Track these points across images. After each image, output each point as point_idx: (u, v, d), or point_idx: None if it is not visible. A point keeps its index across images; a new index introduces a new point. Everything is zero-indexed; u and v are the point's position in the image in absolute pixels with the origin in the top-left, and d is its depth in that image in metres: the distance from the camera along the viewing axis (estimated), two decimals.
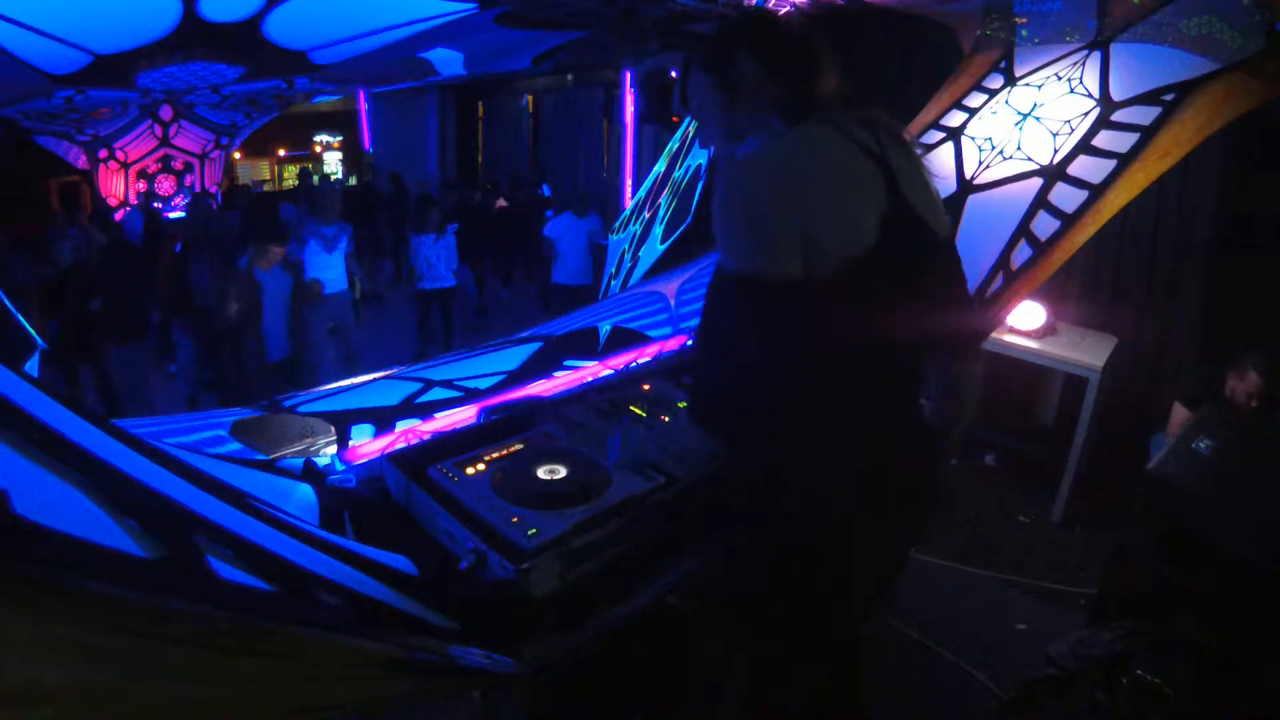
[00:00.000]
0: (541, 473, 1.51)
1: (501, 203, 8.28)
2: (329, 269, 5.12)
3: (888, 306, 1.18)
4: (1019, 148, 2.70)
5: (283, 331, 4.63)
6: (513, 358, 2.38)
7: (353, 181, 12.73)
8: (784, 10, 1.26)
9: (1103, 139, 2.50)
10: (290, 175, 12.73)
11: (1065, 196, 2.51)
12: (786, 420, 1.20)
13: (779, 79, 1.28)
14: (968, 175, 2.70)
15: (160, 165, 9.44)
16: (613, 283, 3.74)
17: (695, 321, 2.74)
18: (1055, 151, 2.60)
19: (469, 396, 2.09)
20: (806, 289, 1.12)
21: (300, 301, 4.72)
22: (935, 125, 2.93)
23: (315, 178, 11.80)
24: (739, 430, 1.31)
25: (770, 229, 1.12)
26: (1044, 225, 2.51)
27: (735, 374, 1.24)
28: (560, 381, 2.26)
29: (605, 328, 2.62)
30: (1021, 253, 2.51)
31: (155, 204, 9.11)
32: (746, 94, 1.29)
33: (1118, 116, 2.52)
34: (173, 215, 8.74)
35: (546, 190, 9.21)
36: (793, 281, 1.11)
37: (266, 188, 12.63)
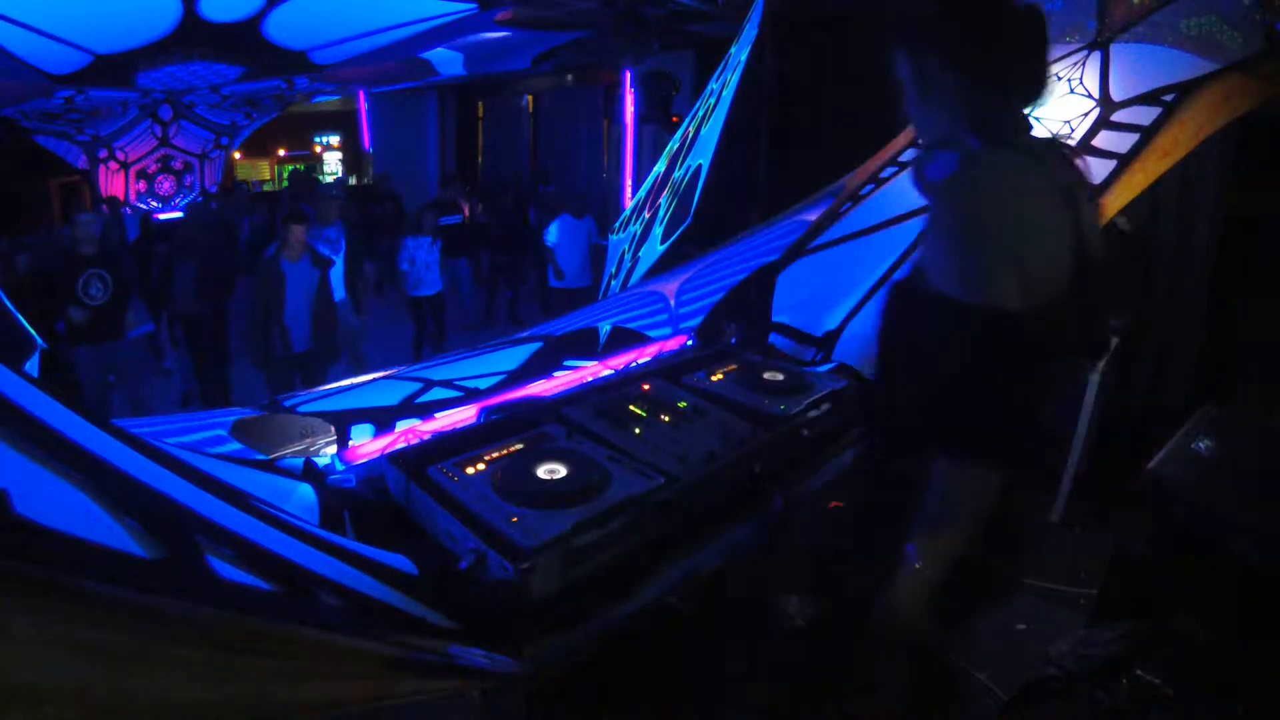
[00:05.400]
0: (541, 473, 1.51)
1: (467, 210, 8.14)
2: (333, 274, 5.10)
3: (1067, 330, 1.23)
4: None
5: (305, 324, 4.61)
6: (513, 358, 2.38)
7: (351, 181, 12.73)
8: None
9: (1102, 139, 2.50)
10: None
11: None
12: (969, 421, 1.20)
13: (986, 95, 1.21)
14: None
15: (160, 165, 9.44)
16: (613, 283, 3.74)
17: (694, 322, 2.74)
18: None
19: (469, 396, 2.09)
20: (1013, 316, 1.14)
21: (327, 301, 4.69)
22: None
23: (322, 177, 11.81)
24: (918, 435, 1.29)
25: (990, 263, 1.14)
26: None
27: (928, 388, 1.23)
28: (560, 381, 2.26)
29: (605, 328, 2.62)
30: None
31: (152, 203, 9.11)
32: (939, 98, 1.23)
33: (1118, 117, 2.51)
34: (162, 216, 8.73)
35: (550, 189, 9.19)
36: (1005, 309, 1.13)
37: (266, 188, 12.64)
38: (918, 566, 1.23)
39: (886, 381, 1.45)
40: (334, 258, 5.04)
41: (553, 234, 6.46)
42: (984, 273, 1.13)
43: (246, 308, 4.77)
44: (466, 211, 7.77)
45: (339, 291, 5.12)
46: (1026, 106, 1.25)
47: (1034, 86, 1.23)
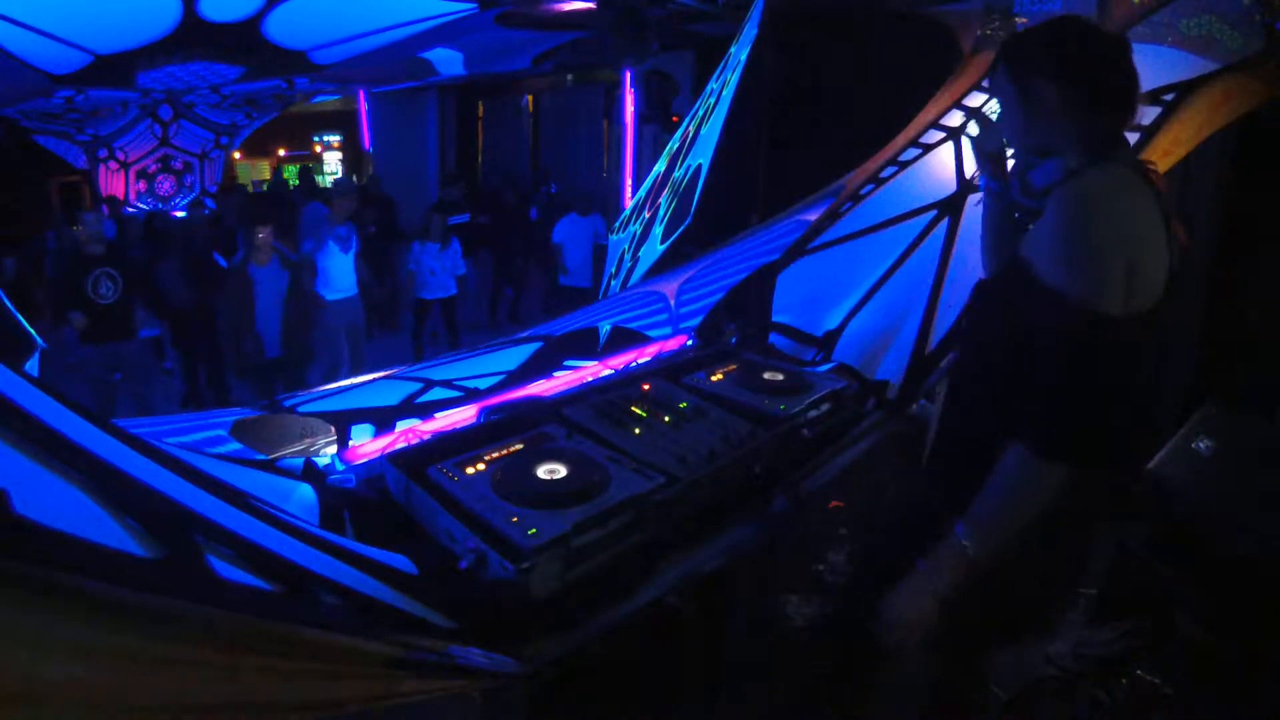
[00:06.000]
0: (541, 473, 1.51)
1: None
2: (345, 271, 5.10)
3: (1155, 339, 1.33)
4: None
5: (277, 329, 4.58)
6: (513, 358, 2.38)
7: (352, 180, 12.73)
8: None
9: None
10: (290, 176, 12.73)
11: None
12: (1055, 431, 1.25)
13: (1088, 111, 1.29)
14: (968, 175, 2.70)
15: (160, 165, 9.44)
16: (613, 283, 3.74)
17: (694, 322, 2.74)
18: None
19: (469, 396, 2.09)
20: (1116, 322, 1.21)
21: (299, 302, 4.67)
22: (935, 125, 2.93)
23: (321, 177, 11.80)
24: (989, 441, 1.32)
25: (1106, 267, 1.21)
26: None
27: (1022, 384, 1.27)
28: (560, 381, 2.26)
29: (605, 328, 2.62)
30: None
31: (154, 203, 9.11)
32: (1046, 115, 1.30)
33: None
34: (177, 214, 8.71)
35: (555, 189, 9.19)
36: (1111, 315, 1.20)
37: (266, 188, 12.64)
38: (964, 544, 1.27)
39: (974, 378, 1.49)
40: (344, 256, 5.03)
41: (559, 232, 6.48)
42: (1102, 277, 1.20)
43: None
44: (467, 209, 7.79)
45: (348, 288, 5.11)
46: (1123, 121, 1.33)
47: (1126, 103, 1.32)
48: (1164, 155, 2.38)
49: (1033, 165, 1.37)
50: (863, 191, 2.78)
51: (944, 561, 1.28)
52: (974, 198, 2.70)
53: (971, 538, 1.27)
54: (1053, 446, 1.22)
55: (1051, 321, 1.22)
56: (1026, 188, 1.39)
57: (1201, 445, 2.16)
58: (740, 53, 3.22)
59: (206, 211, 7.99)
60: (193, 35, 4.63)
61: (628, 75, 6.30)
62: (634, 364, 2.48)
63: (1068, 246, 1.24)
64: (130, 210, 8.65)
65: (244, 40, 4.95)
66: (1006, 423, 1.27)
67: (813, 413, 1.97)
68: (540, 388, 2.20)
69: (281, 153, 13.24)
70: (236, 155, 11.61)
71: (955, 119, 2.93)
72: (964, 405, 1.49)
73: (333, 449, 1.79)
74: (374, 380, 2.20)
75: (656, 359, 2.55)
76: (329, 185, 7.90)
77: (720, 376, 2.13)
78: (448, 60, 7.37)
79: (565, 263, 6.49)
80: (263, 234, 4.48)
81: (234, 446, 1.68)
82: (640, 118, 6.52)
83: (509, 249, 7.81)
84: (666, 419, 1.83)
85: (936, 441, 1.55)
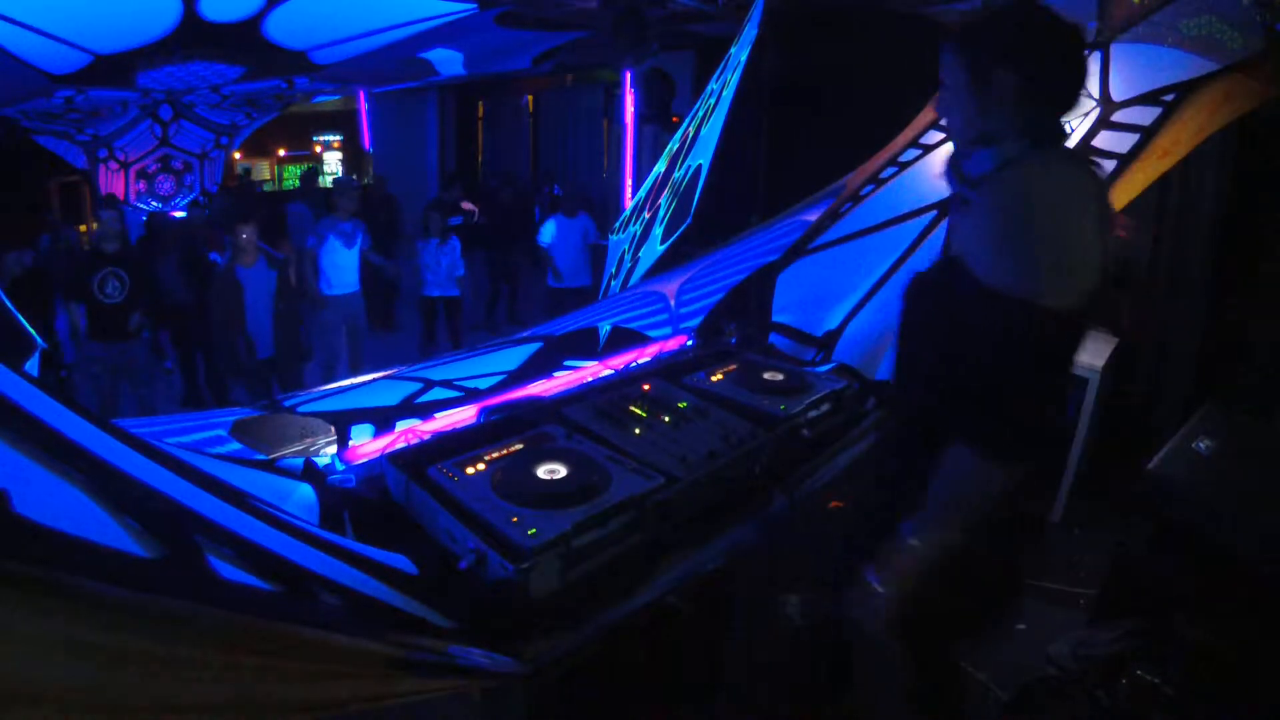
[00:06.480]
0: (541, 473, 1.51)
1: (467, 205, 8.13)
2: (347, 268, 5.09)
3: (1083, 334, 1.28)
4: None
5: (268, 329, 4.58)
6: (513, 358, 2.38)
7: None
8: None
9: (1103, 139, 2.50)
10: (291, 176, 12.73)
11: None
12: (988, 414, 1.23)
13: (1038, 101, 1.25)
14: None
15: (160, 165, 9.43)
16: (613, 283, 3.74)
17: (694, 322, 2.74)
18: None
19: (469, 396, 2.09)
20: (1058, 314, 1.18)
21: (288, 300, 4.66)
22: (935, 126, 2.93)
23: (322, 177, 11.80)
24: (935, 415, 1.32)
25: (1039, 261, 1.17)
26: None
27: (960, 380, 1.26)
28: (560, 381, 2.26)
29: (605, 328, 2.62)
30: None
31: (155, 203, 9.11)
32: (998, 103, 1.26)
33: (1118, 117, 2.51)
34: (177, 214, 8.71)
35: (557, 190, 9.17)
36: (1044, 310, 1.16)
37: (267, 188, 12.64)
38: (912, 543, 1.27)
39: (908, 372, 1.46)
40: (347, 252, 5.02)
41: (547, 234, 6.45)
42: (1035, 270, 1.16)
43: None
44: (472, 208, 7.80)
45: (349, 285, 5.11)
46: (1067, 114, 1.30)
47: (1075, 95, 1.29)
48: (1164, 155, 2.38)
49: (968, 154, 1.32)
50: (863, 192, 2.78)
51: (893, 561, 1.29)
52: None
53: (918, 535, 1.27)
54: (995, 443, 1.21)
55: (984, 318, 1.19)
56: (960, 175, 1.33)
57: (1201, 445, 2.16)
58: (740, 53, 3.22)
59: (206, 212, 7.99)
60: (193, 35, 4.63)
61: (628, 75, 6.30)
62: (634, 364, 2.48)
63: (1000, 239, 1.21)
64: (128, 209, 8.65)
65: (244, 40, 4.95)
66: (946, 422, 1.26)
67: (813, 413, 1.97)
68: (540, 388, 2.20)
69: (281, 153, 13.23)
70: (236, 155, 11.60)
71: None
72: (904, 404, 1.47)
73: (333, 449, 1.79)
74: (374, 380, 2.20)
75: (656, 359, 2.55)
76: (328, 185, 7.91)
77: (720, 376, 2.13)
78: (448, 60, 7.37)
79: (556, 266, 6.46)
80: (245, 234, 4.47)
81: (234, 446, 1.68)
82: (640, 118, 6.52)
83: (504, 248, 7.81)
84: (666, 419, 1.83)
85: (886, 442, 1.55)
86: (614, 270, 3.81)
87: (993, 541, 1.33)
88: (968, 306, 1.22)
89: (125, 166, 9.20)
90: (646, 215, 3.63)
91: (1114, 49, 2.63)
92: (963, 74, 1.30)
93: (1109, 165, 2.45)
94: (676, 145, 3.65)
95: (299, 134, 13.00)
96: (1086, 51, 1.31)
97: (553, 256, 6.41)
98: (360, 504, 1.54)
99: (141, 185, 9.35)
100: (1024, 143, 1.24)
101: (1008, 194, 1.21)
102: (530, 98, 11.08)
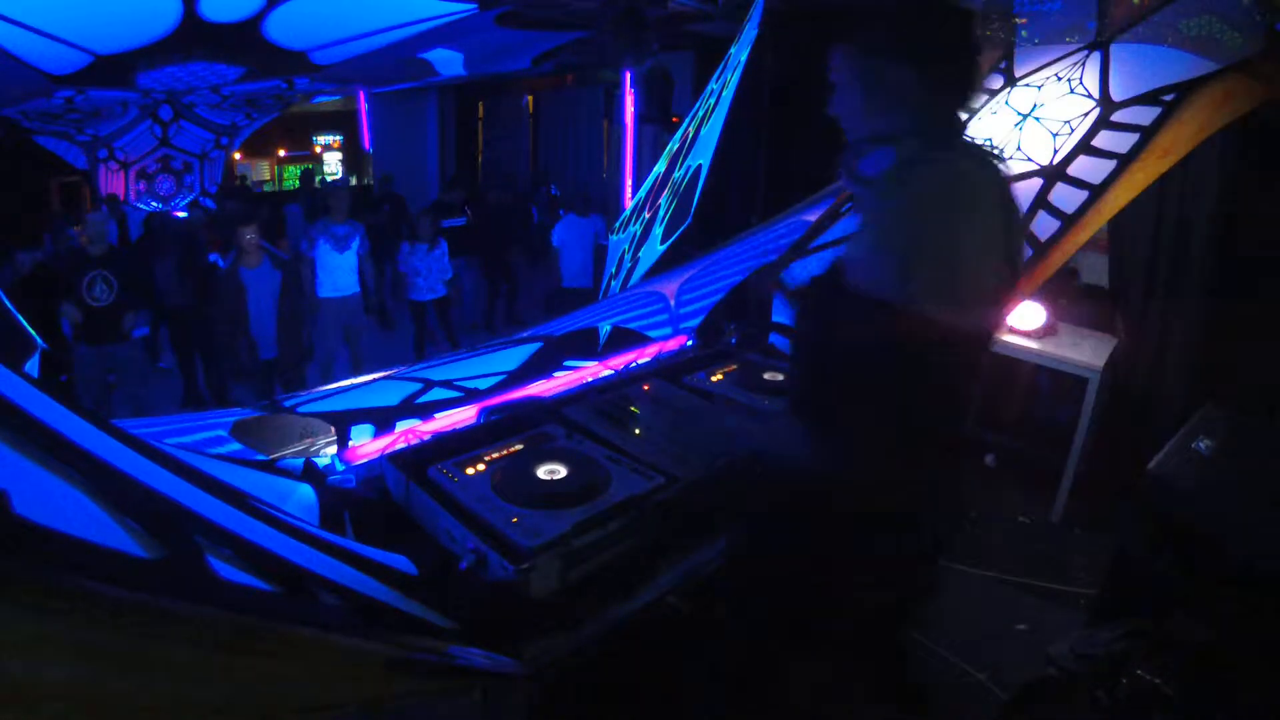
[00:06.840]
0: (541, 473, 1.51)
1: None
2: (341, 270, 5.08)
3: (988, 332, 1.22)
4: (1019, 148, 2.70)
5: (272, 330, 4.56)
6: (513, 358, 2.38)
7: (352, 181, 12.74)
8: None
9: (1103, 139, 2.50)
10: (290, 176, 12.73)
11: (1065, 197, 2.50)
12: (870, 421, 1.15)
13: (932, 94, 1.17)
14: None
15: (160, 165, 9.43)
16: (613, 283, 3.74)
17: (694, 322, 2.74)
18: (1055, 152, 2.60)
19: (469, 396, 2.09)
20: (930, 322, 1.07)
21: (292, 302, 4.65)
22: None
23: (316, 178, 11.80)
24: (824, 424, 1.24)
25: (925, 261, 1.07)
26: (1044, 226, 2.51)
27: (845, 378, 1.19)
28: (560, 381, 2.26)
29: (605, 328, 2.62)
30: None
31: (154, 203, 9.11)
32: (889, 99, 1.18)
33: (1118, 117, 2.52)
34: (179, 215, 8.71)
35: (554, 190, 9.16)
36: (935, 324, 1.07)
37: (267, 188, 12.64)
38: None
39: (803, 381, 1.38)
40: (339, 256, 5.01)
41: (558, 234, 6.46)
42: (913, 274, 1.06)
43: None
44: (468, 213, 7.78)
45: (345, 287, 5.10)
46: (964, 109, 1.23)
47: (972, 89, 1.22)
48: (1164, 155, 2.38)
49: (863, 152, 1.22)
50: None
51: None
52: None
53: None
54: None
55: (869, 330, 1.09)
56: (854, 176, 1.24)
57: (1201, 445, 2.16)
58: (740, 53, 3.22)
59: (213, 212, 8.01)
60: (193, 36, 4.63)
61: (628, 75, 6.30)
62: (634, 364, 2.48)
63: (886, 241, 1.11)
64: (129, 208, 8.65)
65: (244, 41, 4.95)
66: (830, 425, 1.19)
67: None
68: (540, 388, 2.20)
69: (281, 153, 13.23)
70: (236, 155, 11.59)
71: None
72: (798, 410, 1.37)
73: (332, 449, 1.79)
74: (374, 380, 2.20)
75: (656, 359, 2.55)
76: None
77: (720, 376, 2.13)
78: (448, 61, 7.37)
79: (566, 265, 6.45)
80: (249, 235, 4.47)
81: (234, 447, 1.68)
82: (640, 118, 6.52)
83: (499, 248, 7.80)
84: (666, 419, 1.82)
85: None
86: (614, 270, 3.81)
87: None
88: (852, 318, 1.13)
89: (125, 167, 9.21)
90: (646, 215, 3.63)
91: (1114, 49, 2.64)
92: (855, 73, 1.21)
93: (1109, 165, 2.45)
94: (676, 145, 3.65)
95: (299, 134, 13.00)
96: (975, 36, 1.20)
97: (563, 255, 6.40)
98: (360, 504, 1.54)
99: (142, 185, 9.35)
100: (922, 140, 1.16)
101: (896, 195, 1.12)
102: (530, 98, 11.08)
